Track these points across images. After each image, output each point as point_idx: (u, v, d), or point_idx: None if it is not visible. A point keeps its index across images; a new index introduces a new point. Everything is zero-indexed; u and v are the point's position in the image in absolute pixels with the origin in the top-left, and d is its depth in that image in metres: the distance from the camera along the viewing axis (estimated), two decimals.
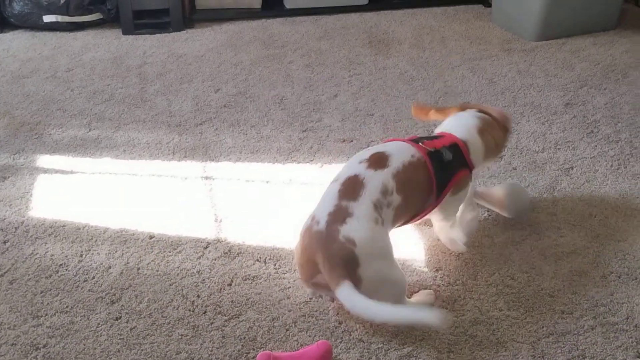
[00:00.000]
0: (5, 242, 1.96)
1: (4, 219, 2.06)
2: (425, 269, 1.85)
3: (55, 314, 1.70)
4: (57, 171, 2.32)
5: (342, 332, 1.64)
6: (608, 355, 1.58)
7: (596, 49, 3.32)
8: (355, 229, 1.56)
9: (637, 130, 2.56)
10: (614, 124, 2.61)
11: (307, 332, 1.64)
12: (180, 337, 1.63)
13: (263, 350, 1.57)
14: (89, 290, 1.78)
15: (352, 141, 2.49)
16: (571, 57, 3.24)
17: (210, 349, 1.60)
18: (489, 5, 3.84)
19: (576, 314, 1.70)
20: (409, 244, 1.95)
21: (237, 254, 1.91)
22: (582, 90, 2.89)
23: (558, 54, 3.27)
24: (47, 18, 3.46)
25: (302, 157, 2.39)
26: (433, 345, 1.60)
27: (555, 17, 3.37)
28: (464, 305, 1.72)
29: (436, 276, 1.82)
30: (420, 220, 1.86)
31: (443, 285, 1.79)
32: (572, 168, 2.32)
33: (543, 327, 1.66)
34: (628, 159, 2.37)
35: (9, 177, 2.27)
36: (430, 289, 1.77)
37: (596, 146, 2.45)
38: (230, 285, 1.79)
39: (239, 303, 1.73)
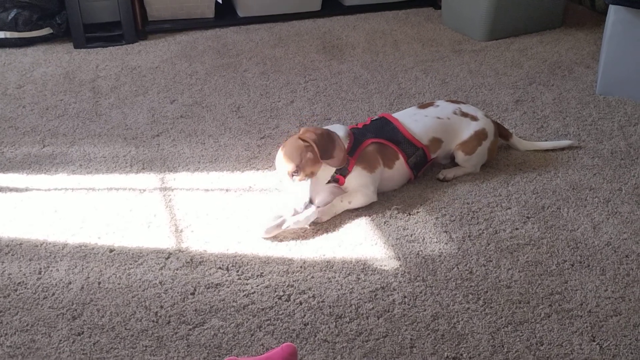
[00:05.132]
0: None
1: None
2: (386, 267, 1.88)
3: (15, 333, 1.67)
4: (11, 189, 2.28)
5: (308, 333, 1.66)
6: (565, 341, 1.64)
7: (543, 47, 3.42)
8: None
9: (584, 123, 2.65)
10: (562, 119, 2.70)
11: (272, 335, 1.66)
12: (144, 348, 1.62)
13: (229, 356, 1.57)
14: (49, 307, 1.75)
15: None
16: (519, 55, 3.33)
17: (175, 358, 1.60)
18: (439, 8, 3.92)
19: (532, 303, 1.75)
20: (369, 244, 1.98)
21: (199, 262, 1.91)
22: (531, 87, 2.98)
23: (507, 53, 3.36)
24: None
25: (261, 164, 2.40)
26: (396, 341, 1.64)
27: (502, 17, 3.47)
28: (425, 301, 1.76)
29: (397, 274, 1.86)
30: None
31: (404, 282, 1.82)
32: (524, 163, 2.38)
33: (501, 318, 1.71)
34: (577, 151, 2.45)
35: None
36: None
37: (546, 141, 2.53)
38: (193, 294, 1.79)
39: (202, 311, 1.73)
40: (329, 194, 2.14)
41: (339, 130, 2.15)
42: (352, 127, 2.22)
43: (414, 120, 2.25)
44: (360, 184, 2.12)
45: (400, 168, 2.20)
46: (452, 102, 2.37)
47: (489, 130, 2.30)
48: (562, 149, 2.46)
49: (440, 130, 2.25)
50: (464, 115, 2.29)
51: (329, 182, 2.14)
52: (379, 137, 2.17)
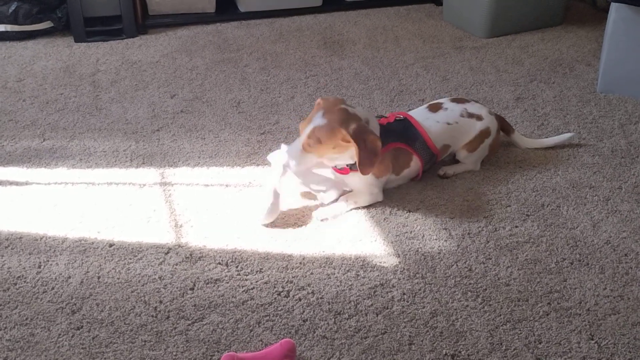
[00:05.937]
0: None
1: None
2: (385, 264, 1.88)
3: (14, 327, 1.67)
4: (11, 183, 2.28)
5: (307, 329, 1.66)
6: (563, 339, 1.64)
7: (544, 44, 3.42)
8: None
9: (584, 121, 2.65)
10: (563, 117, 2.69)
11: (271, 331, 1.66)
12: (143, 343, 1.63)
13: (227, 352, 1.58)
14: (49, 301, 1.76)
15: None
16: (520, 52, 3.33)
17: (174, 353, 1.60)
18: (440, 4, 3.91)
19: (531, 301, 1.75)
20: (368, 240, 1.98)
21: (199, 258, 1.91)
22: (532, 85, 2.98)
23: (508, 50, 3.36)
24: None
25: (261, 160, 2.40)
26: (394, 338, 1.64)
27: (504, 14, 3.46)
28: (424, 298, 1.76)
29: (396, 270, 1.86)
30: None
31: (403, 279, 1.83)
32: (525, 160, 2.38)
33: (500, 315, 1.71)
34: (577, 149, 2.45)
35: None
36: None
37: (547, 138, 2.53)
38: (192, 289, 1.79)
39: (202, 306, 1.73)
40: (332, 186, 2.13)
41: (375, 124, 2.07)
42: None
43: (428, 126, 2.21)
44: (365, 185, 2.11)
45: (412, 171, 2.21)
46: (458, 101, 2.34)
47: (492, 128, 2.30)
48: (563, 146, 2.46)
49: (450, 136, 2.26)
50: (470, 116, 2.28)
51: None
52: (401, 141, 2.14)
